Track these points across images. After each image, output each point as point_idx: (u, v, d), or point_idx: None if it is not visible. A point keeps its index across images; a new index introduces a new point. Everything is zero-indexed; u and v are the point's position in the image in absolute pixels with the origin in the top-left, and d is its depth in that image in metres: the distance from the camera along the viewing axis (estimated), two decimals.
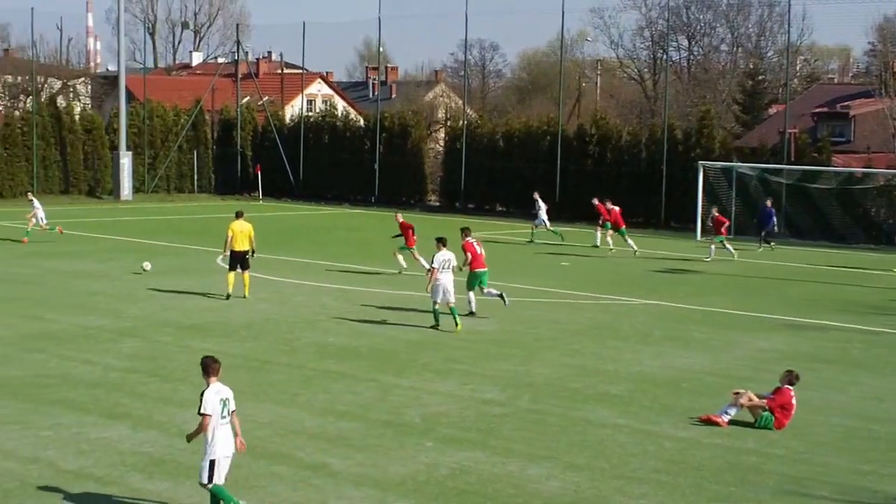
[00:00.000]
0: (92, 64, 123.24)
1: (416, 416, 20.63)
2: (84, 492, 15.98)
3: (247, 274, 33.52)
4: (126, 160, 73.69)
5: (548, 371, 24.69)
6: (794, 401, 20.45)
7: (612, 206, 48.99)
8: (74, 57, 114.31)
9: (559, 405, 21.67)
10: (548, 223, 53.17)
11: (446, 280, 29.26)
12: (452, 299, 29.31)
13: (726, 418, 20.34)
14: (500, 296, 31.62)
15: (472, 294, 31.42)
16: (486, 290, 31.64)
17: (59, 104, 78.77)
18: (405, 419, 20.37)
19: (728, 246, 46.67)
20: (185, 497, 15.92)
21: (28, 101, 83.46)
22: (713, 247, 46.55)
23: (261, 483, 16.57)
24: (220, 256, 34.29)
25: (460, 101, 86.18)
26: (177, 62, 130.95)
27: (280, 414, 20.45)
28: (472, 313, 31.11)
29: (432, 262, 29.57)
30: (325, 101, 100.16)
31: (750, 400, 20.40)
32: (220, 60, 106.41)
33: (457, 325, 29.15)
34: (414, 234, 40.11)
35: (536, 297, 35.32)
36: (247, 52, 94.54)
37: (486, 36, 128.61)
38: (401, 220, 40.96)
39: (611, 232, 48.51)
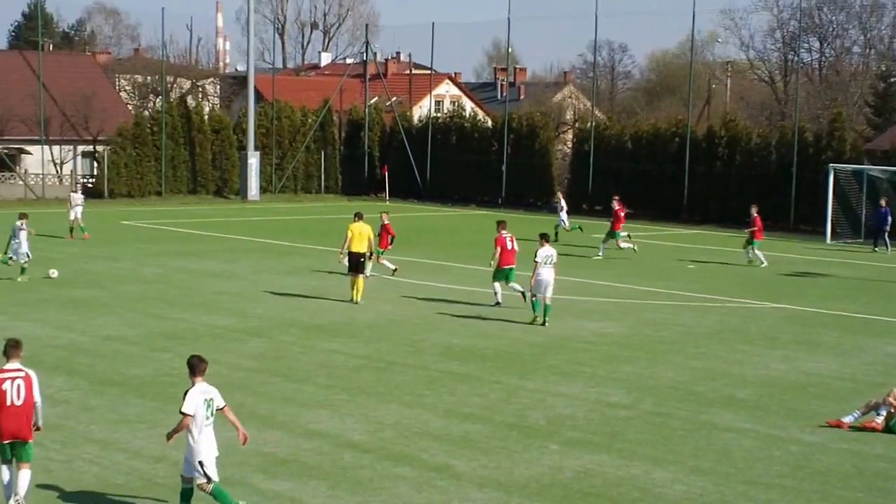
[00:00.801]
0: (221, 64, 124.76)
1: (540, 418, 20.51)
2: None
3: (361, 278, 32.92)
4: (254, 160, 74.47)
5: (673, 374, 24.43)
6: None
7: (617, 206, 47.01)
8: (204, 57, 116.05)
9: (684, 408, 21.42)
10: (567, 224, 52.66)
11: (547, 275, 30.00)
12: (550, 294, 30.02)
13: (879, 420, 19.91)
14: (522, 293, 31.83)
15: (497, 285, 32.53)
16: (510, 285, 32.42)
17: (188, 104, 79.83)
18: (530, 421, 20.25)
19: None
20: (310, 497, 15.95)
21: (158, 100, 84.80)
22: None
23: (385, 484, 16.55)
24: (339, 256, 34.09)
25: (588, 103, 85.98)
26: (305, 62, 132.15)
27: (405, 415, 20.44)
28: (497, 304, 32.33)
29: (535, 257, 30.36)
30: (453, 102, 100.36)
31: (894, 398, 19.98)
32: (349, 61, 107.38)
33: (544, 322, 29.88)
34: (391, 241, 39.28)
35: (662, 300, 35.00)
36: (375, 53, 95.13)
37: (615, 37, 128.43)
38: (386, 221, 39.67)
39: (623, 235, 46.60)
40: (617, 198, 48.04)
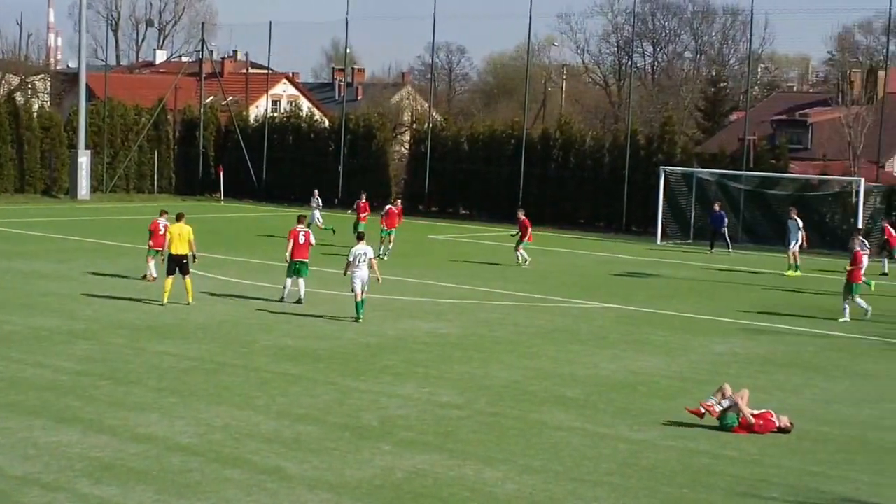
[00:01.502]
0: (52, 60, 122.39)
1: (373, 419, 20.48)
2: (29, 498, 15.70)
3: (188, 279, 32.21)
4: (84, 159, 73.11)
5: (506, 374, 24.61)
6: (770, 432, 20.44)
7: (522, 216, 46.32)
8: (34, 53, 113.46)
9: (516, 408, 21.59)
10: (320, 222, 53.72)
11: (362, 272, 30.44)
12: (364, 290, 30.54)
13: (718, 409, 20.34)
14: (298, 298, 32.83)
15: (288, 281, 33.21)
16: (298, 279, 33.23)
17: (16, 101, 78.08)
18: (363, 422, 20.21)
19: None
20: (136, 502, 15.67)
21: None
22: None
23: (214, 488, 16.35)
24: (159, 259, 33.81)
25: (426, 104, 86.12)
26: (140, 60, 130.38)
27: (235, 417, 20.24)
28: (282, 299, 33.17)
29: (349, 256, 30.83)
30: (290, 102, 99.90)
31: (742, 399, 20.38)
32: (185, 59, 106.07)
33: (358, 318, 30.40)
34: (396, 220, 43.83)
35: (497, 301, 35.28)
36: (212, 51, 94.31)
37: (453, 39, 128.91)
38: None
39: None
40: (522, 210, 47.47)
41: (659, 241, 56.07)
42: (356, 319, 30.42)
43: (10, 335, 27.28)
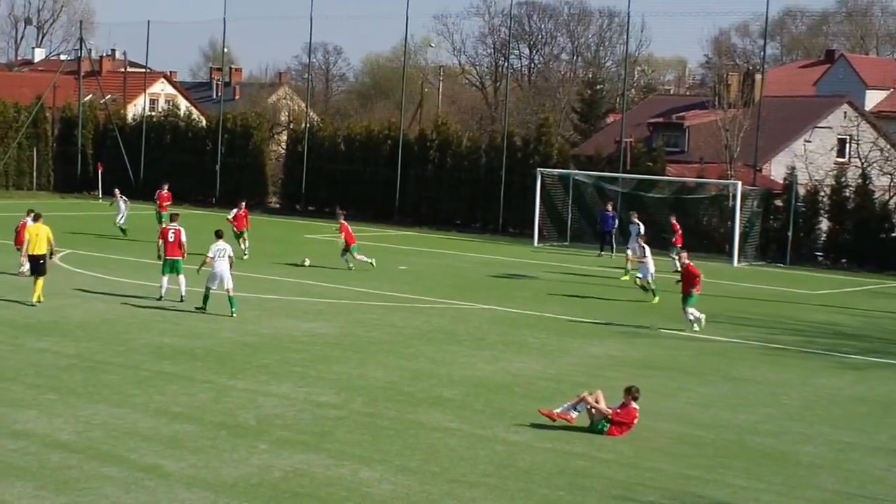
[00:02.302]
0: None
1: (250, 418, 20.65)
2: None
3: (41, 280, 31.84)
4: None
5: (383, 374, 24.88)
6: (636, 419, 20.89)
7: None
8: None
9: (393, 408, 21.86)
10: (123, 220, 52.85)
11: (222, 267, 31.40)
12: (231, 286, 31.41)
13: (574, 415, 20.70)
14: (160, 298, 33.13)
15: (164, 279, 33.40)
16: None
17: None
18: (239, 421, 20.38)
19: None
20: (15, 499, 15.73)
21: None
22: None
23: (92, 485, 16.46)
24: (20, 262, 33.78)
25: (303, 104, 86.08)
26: (18, 58, 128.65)
27: (114, 415, 20.32)
28: (160, 298, 33.24)
29: (208, 253, 31.74)
30: (168, 101, 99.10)
31: (597, 401, 20.77)
32: (63, 57, 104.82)
33: (232, 313, 31.07)
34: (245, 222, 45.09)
35: (374, 301, 35.52)
36: (90, 50, 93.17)
37: (330, 40, 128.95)
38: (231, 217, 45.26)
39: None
40: (342, 213, 46.47)
41: (536, 243, 56.64)
42: (231, 314, 30.98)
43: None
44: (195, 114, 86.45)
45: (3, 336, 27.14)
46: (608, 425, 20.58)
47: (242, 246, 44.92)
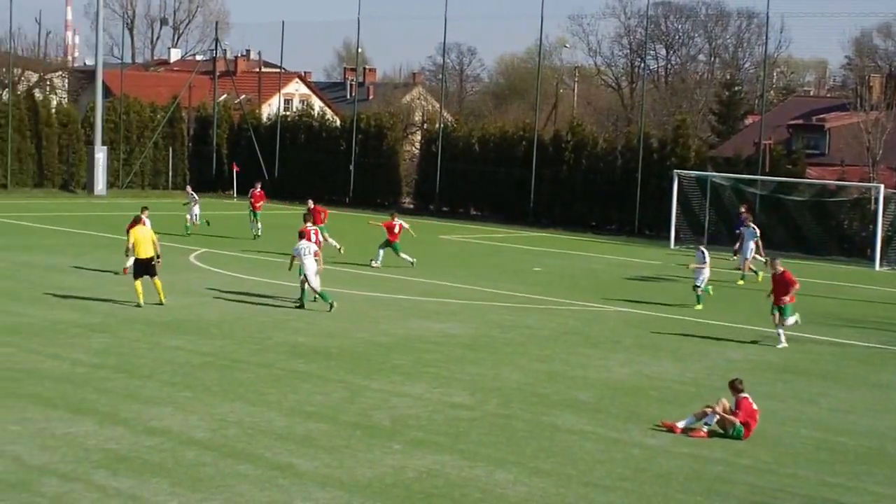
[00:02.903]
0: (69, 58, 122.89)
1: (384, 418, 20.57)
2: (47, 487, 15.88)
3: (157, 280, 31.44)
4: (101, 155, 73.43)
5: (517, 376, 24.67)
6: (754, 406, 20.47)
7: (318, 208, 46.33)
8: (52, 50, 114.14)
9: (527, 410, 21.64)
10: (197, 218, 51.75)
11: (309, 265, 31.96)
12: (316, 285, 31.97)
13: (704, 429, 20.26)
14: (299, 299, 32.87)
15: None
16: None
17: (35, 97, 78.50)
18: (374, 421, 20.30)
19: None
20: (151, 494, 15.81)
21: (4, 93, 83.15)
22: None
23: (227, 482, 16.48)
24: (128, 263, 33.87)
25: (437, 105, 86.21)
26: (155, 58, 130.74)
27: (248, 413, 20.37)
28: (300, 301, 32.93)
29: (294, 252, 32.51)
30: (302, 101, 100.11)
31: (723, 410, 20.34)
32: (199, 58, 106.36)
33: (330, 306, 31.69)
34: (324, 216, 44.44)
35: (508, 302, 35.31)
36: (225, 50, 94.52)
37: (464, 40, 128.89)
38: (311, 206, 44.80)
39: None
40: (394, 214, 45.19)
41: (672, 246, 56.04)
42: (330, 308, 31.61)
43: (28, 327, 27.51)
44: (329, 114, 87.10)
45: (140, 334, 27.42)
46: (743, 429, 20.17)
47: (257, 226, 48.98)
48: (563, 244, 55.36)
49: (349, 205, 73.09)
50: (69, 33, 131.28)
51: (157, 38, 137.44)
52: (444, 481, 17.07)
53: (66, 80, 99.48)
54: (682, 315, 34.26)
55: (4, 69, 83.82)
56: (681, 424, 20.44)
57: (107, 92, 79.29)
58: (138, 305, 30.86)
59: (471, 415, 21.13)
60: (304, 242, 32.42)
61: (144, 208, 37.36)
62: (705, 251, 36.12)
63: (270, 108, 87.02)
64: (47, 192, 72.27)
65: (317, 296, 32.13)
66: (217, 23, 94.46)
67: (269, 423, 19.76)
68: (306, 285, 32.20)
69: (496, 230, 61.21)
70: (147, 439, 18.36)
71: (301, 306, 32.19)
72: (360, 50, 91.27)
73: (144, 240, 31.68)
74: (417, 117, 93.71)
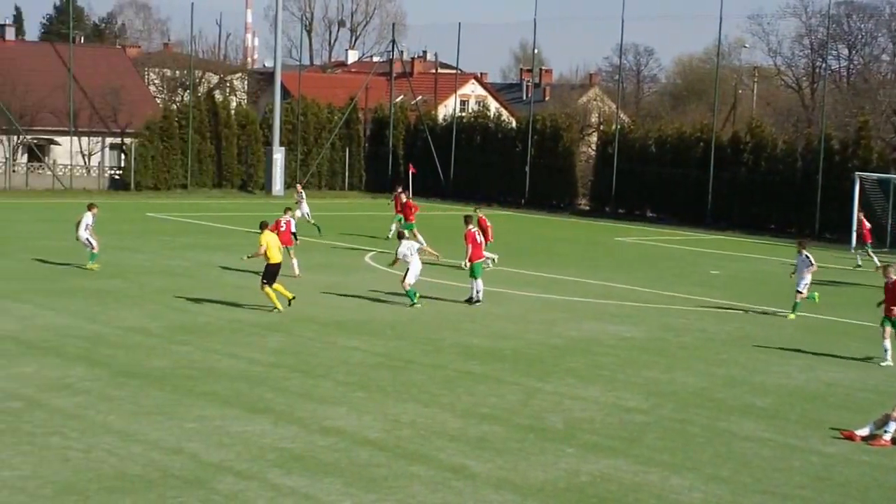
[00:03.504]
0: (249, 60, 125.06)
1: (558, 421, 20.43)
2: (223, 485, 16.08)
3: (279, 285, 30.73)
4: (279, 156, 74.63)
5: (693, 380, 24.31)
6: None
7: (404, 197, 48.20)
8: (232, 52, 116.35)
9: (703, 415, 21.30)
10: (310, 216, 50.92)
11: (416, 263, 32.35)
12: (412, 280, 32.23)
13: (887, 437, 19.69)
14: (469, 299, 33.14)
15: (479, 282, 33.17)
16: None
17: (215, 99, 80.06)
18: (547, 424, 20.18)
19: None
20: (324, 494, 15.91)
21: (185, 95, 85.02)
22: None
23: (400, 483, 16.50)
24: (245, 256, 33.63)
25: (614, 106, 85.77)
26: (332, 60, 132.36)
27: (421, 414, 20.40)
28: (473, 300, 33.03)
29: (397, 254, 32.76)
30: (478, 102, 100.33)
31: None
32: (375, 59, 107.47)
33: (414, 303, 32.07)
34: (413, 213, 44.66)
35: (684, 305, 34.85)
36: (402, 52, 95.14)
37: (641, 40, 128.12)
38: (405, 199, 46.14)
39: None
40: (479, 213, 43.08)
41: (853, 249, 54.78)
42: (412, 305, 31.93)
43: (206, 326, 27.98)
44: (504, 115, 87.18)
45: (314, 333, 27.69)
46: None
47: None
48: (740, 247, 54.56)
49: (524, 206, 73.08)
50: (249, 36, 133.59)
51: (335, 40, 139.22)
52: (618, 486, 16.88)
53: (246, 82, 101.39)
54: (861, 320, 33.37)
55: (185, 71, 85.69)
56: (861, 432, 19.91)
57: (285, 93, 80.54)
58: (274, 310, 30.36)
59: (645, 419, 20.88)
60: (406, 242, 32.84)
61: (287, 209, 37.79)
62: (809, 255, 33.91)
63: (446, 110, 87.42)
64: (226, 192, 73.62)
65: (406, 291, 32.34)
66: (394, 24, 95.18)
67: (443, 425, 19.75)
68: (411, 284, 32.39)
69: (672, 232, 60.60)
70: (321, 439, 18.49)
71: (413, 303, 32.27)
72: (536, 51, 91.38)
73: (277, 244, 31.19)
74: (594, 118, 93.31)
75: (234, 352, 25.11)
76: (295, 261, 36.28)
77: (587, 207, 74.20)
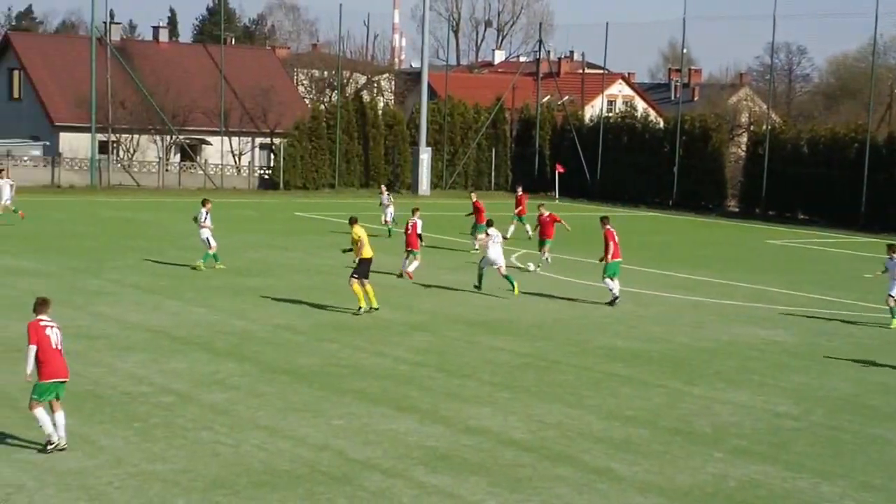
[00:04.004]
0: (396, 60, 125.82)
1: (706, 425, 20.18)
2: (370, 482, 16.16)
3: (369, 285, 29.74)
4: (425, 156, 74.96)
5: (845, 386, 23.83)
6: None
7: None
8: (379, 53, 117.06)
9: (855, 422, 20.87)
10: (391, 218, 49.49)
11: (497, 252, 33.29)
12: (501, 263, 33.43)
13: None
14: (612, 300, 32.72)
15: (615, 282, 32.84)
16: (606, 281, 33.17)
17: (363, 99, 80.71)
18: (694, 428, 19.95)
19: None
20: (469, 493, 15.90)
21: (333, 95, 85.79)
22: None
23: (545, 484, 16.44)
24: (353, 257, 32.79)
25: (764, 106, 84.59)
26: (479, 60, 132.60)
27: (567, 415, 20.30)
28: (615, 299, 32.71)
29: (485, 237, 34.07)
30: (625, 102, 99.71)
31: None
32: (522, 59, 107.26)
33: (513, 288, 33.10)
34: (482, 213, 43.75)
35: (836, 310, 34.20)
36: (549, 52, 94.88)
37: (793, 39, 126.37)
38: (475, 199, 46.35)
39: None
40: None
41: None
42: (512, 290, 33.03)
43: (353, 323, 28.23)
44: (652, 115, 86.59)
45: (459, 333, 27.72)
46: None
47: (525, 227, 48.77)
48: None
49: (672, 208, 72.48)
50: (396, 36, 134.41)
51: (482, 40, 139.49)
52: (767, 492, 16.62)
53: (393, 83, 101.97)
54: None
55: (333, 72, 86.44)
56: None
57: (431, 94, 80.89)
58: (358, 311, 29.59)
59: (795, 424, 20.53)
60: (492, 230, 33.75)
61: (416, 210, 38.14)
62: None
63: (593, 110, 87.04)
64: (373, 192, 73.98)
65: (505, 278, 33.28)
66: (541, 24, 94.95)
67: (588, 426, 19.64)
68: (484, 270, 33.50)
69: (825, 235, 59.59)
70: (466, 438, 18.50)
71: (478, 288, 33.59)
72: (685, 50, 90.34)
73: (368, 239, 30.32)
74: (743, 119, 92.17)
75: (381, 350, 25.25)
76: (416, 263, 36.10)
77: (736, 209, 73.28)
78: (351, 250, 30.32)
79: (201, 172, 73.62)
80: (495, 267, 33.19)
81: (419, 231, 36.72)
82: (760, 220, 67.12)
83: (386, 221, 49.30)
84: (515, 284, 33.07)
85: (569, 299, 33.56)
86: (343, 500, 15.47)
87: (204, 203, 37.20)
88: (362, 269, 29.72)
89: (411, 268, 35.58)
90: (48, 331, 16.87)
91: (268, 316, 28.89)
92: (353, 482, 16.13)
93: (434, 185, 76.09)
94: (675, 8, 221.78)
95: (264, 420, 19.14)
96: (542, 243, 40.25)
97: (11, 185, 48.95)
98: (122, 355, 23.71)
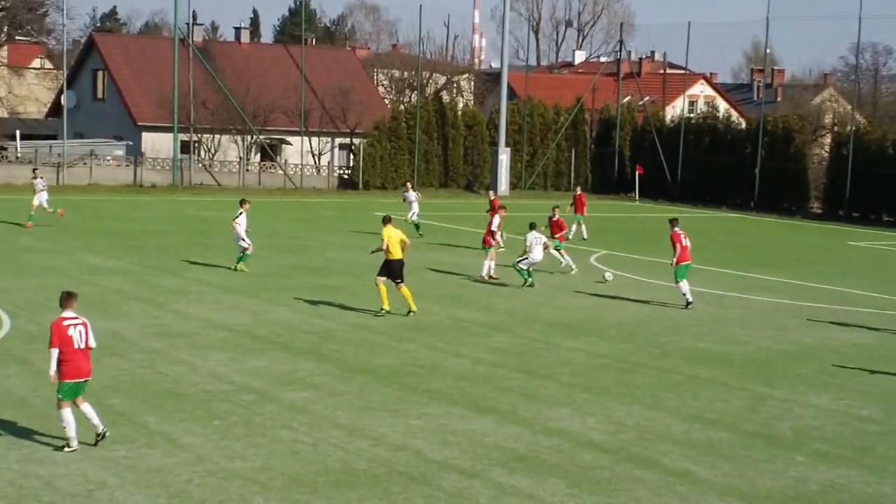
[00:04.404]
0: (476, 60, 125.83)
1: (787, 428, 19.96)
2: (447, 482, 16.12)
3: (404, 287, 29.22)
4: (504, 156, 74.89)
5: None
6: None
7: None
8: (459, 53, 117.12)
9: None
10: (416, 217, 48.68)
11: (538, 254, 34.54)
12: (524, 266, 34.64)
13: None
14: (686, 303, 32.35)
15: (684, 285, 32.45)
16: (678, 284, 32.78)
17: (442, 99, 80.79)
18: (776, 431, 19.72)
19: None
20: (548, 494, 15.83)
21: (413, 95, 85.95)
22: None
23: (624, 486, 16.33)
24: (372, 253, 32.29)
25: (849, 107, 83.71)
26: (559, 60, 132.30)
27: (646, 417, 20.16)
28: (689, 303, 32.27)
29: (526, 241, 34.74)
30: (706, 103, 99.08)
31: None
32: (603, 59, 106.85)
33: (532, 284, 34.58)
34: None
35: None
36: (629, 52, 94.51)
37: (880, 39, 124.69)
38: (492, 197, 46.50)
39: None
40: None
41: None
42: (530, 285, 34.47)
43: (431, 324, 28.19)
44: (734, 116, 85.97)
45: (538, 334, 27.63)
46: None
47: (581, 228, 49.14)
48: None
49: (754, 209, 71.89)
50: (476, 36, 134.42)
51: (562, 40, 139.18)
52: (850, 496, 16.42)
53: (472, 83, 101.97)
54: None
55: (413, 72, 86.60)
56: None
57: (511, 94, 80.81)
58: (380, 312, 29.21)
59: (879, 429, 20.26)
60: (534, 233, 34.75)
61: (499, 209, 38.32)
62: None
63: (674, 110, 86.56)
64: (451, 192, 74.19)
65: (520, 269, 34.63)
66: (622, 24, 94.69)
67: (668, 429, 19.49)
68: (520, 265, 34.59)
69: None
70: (545, 439, 18.41)
71: (531, 285, 34.59)
72: (768, 50, 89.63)
73: (396, 240, 29.53)
74: (827, 120, 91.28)
75: (459, 350, 25.21)
76: (490, 263, 35.98)
77: (819, 211, 72.59)
78: (381, 250, 29.78)
79: (281, 172, 74.00)
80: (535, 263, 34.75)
81: (493, 228, 36.81)
82: (844, 222, 66.43)
83: (411, 219, 48.21)
84: (531, 279, 34.71)
85: (647, 302, 33.34)
86: (420, 500, 15.45)
87: (242, 203, 36.87)
88: (386, 270, 29.28)
89: (485, 270, 35.65)
90: (71, 330, 16.79)
91: (346, 315, 28.96)
92: (430, 482, 16.11)
93: (513, 186, 75.99)
94: (758, 7, 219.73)
95: (342, 419, 19.16)
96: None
97: (44, 186, 46.93)
98: (203, 353, 23.84)
